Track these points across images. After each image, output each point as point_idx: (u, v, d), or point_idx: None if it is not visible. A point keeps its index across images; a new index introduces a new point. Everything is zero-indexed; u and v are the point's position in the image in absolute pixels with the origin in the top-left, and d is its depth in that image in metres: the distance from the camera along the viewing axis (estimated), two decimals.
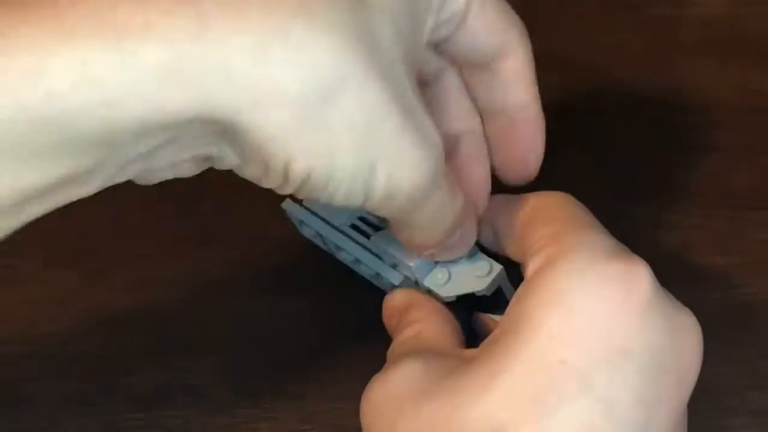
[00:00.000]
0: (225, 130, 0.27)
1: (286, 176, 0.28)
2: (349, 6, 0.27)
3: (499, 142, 0.36)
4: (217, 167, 0.30)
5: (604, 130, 0.49)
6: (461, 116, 0.36)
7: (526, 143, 0.35)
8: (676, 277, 0.33)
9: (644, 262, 0.29)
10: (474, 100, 0.36)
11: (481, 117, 0.36)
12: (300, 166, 0.27)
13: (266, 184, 0.29)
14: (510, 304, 0.30)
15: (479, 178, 0.36)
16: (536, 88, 0.35)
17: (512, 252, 0.34)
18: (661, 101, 0.50)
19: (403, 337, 0.34)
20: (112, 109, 0.25)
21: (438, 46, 0.34)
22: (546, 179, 0.38)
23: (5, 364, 0.41)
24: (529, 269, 0.30)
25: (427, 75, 0.34)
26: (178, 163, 0.29)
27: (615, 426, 0.27)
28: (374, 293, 0.40)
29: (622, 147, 0.49)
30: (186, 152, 0.28)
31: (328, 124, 0.26)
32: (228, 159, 0.29)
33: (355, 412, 0.33)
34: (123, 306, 0.43)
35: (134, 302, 0.43)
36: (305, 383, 0.40)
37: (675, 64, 0.52)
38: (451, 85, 0.35)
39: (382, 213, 0.30)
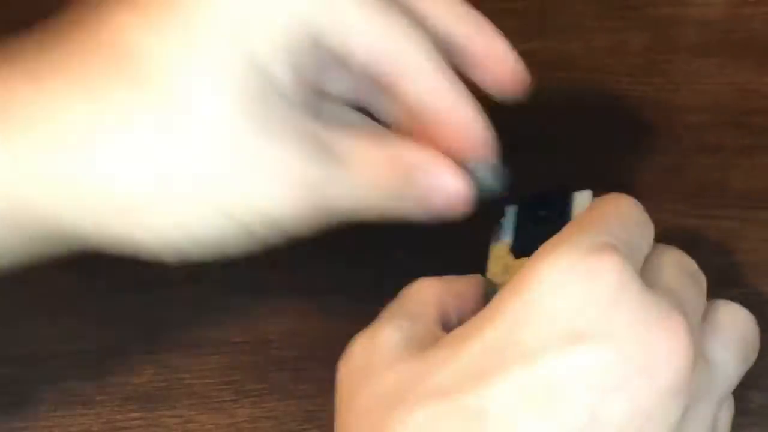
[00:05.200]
0: None
1: None
2: None
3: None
4: None
5: (603, 130, 0.49)
6: None
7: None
8: None
9: (620, 260, 0.29)
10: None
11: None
12: None
13: None
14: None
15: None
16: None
17: None
18: (660, 101, 0.50)
19: (402, 295, 0.35)
20: None
21: None
22: (546, 180, 0.38)
23: (5, 365, 0.41)
24: None
25: None
26: None
27: (556, 400, 0.27)
28: (375, 293, 0.40)
29: (621, 147, 0.49)
30: None
31: None
32: None
33: None
34: (123, 306, 0.43)
35: (134, 302, 0.43)
36: (305, 383, 0.40)
37: (675, 64, 0.52)
38: None
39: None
